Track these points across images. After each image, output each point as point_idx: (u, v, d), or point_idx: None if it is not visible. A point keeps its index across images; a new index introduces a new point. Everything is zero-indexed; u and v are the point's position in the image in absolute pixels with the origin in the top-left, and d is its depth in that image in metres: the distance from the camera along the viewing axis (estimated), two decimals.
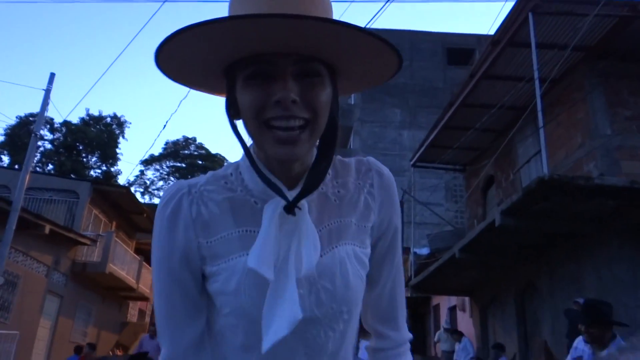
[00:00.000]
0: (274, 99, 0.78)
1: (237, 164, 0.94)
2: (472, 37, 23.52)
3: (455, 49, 23.53)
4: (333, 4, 0.87)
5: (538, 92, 6.80)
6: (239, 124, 0.87)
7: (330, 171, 0.94)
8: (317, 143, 0.87)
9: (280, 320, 0.80)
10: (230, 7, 0.84)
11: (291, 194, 0.84)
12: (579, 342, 4.87)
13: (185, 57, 0.80)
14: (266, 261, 0.79)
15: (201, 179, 0.92)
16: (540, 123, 6.72)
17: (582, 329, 4.25)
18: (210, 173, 0.94)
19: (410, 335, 1.04)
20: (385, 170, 0.99)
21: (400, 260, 1.02)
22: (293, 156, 0.80)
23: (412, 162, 13.72)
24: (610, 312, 4.34)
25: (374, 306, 1.01)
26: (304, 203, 0.84)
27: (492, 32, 13.65)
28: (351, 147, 22.42)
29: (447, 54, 23.58)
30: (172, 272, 0.88)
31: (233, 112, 0.87)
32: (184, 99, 24.35)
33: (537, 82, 6.84)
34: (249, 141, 0.87)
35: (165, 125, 24.17)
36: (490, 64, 8.50)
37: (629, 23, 7.39)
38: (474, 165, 12.65)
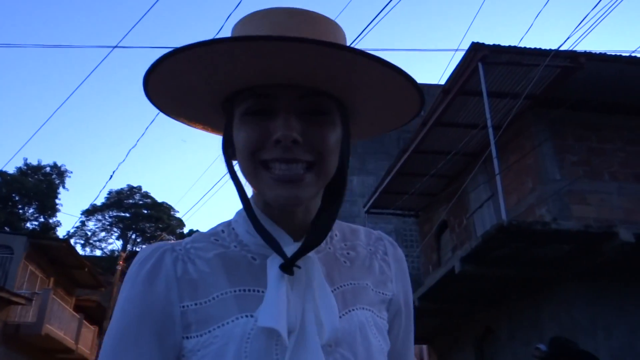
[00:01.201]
0: (273, 138, 0.69)
1: (229, 221, 0.83)
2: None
3: None
4: None
5: (492, 140, 6.91)
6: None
7: (337, 233, 0.84)
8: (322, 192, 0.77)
9: None
10: (233, 33, 0.75)
11: (293, 248, 0.72)
12: None
13: (177, 87, 0.72)
14: (282, 320, 0.66)
15: (186, 239, 0.80)
16: (496, 170, 6.80)
17: None
18: (196, 233, 0.83)
19: None
20: (397, 246, 0.89)
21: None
22: (296, 199, 0.69)
23: (365, 209, 13.66)
24: (577, 348, 4.41)
25: None
26: (312, 257, 0.72)
27: (439, 82, 14.10)
28: None
29: None
30: (137, 346, 0.68)
31: (231, 151, 0.77)
32: (132, 147, 23.74)
33: (490, 130, 6.96)
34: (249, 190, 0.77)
35: (112, 176, 23.17)
36: (441, 111, 8.65)
37: (570, 73, 7.73)
38: (426, 211, 12.72)
